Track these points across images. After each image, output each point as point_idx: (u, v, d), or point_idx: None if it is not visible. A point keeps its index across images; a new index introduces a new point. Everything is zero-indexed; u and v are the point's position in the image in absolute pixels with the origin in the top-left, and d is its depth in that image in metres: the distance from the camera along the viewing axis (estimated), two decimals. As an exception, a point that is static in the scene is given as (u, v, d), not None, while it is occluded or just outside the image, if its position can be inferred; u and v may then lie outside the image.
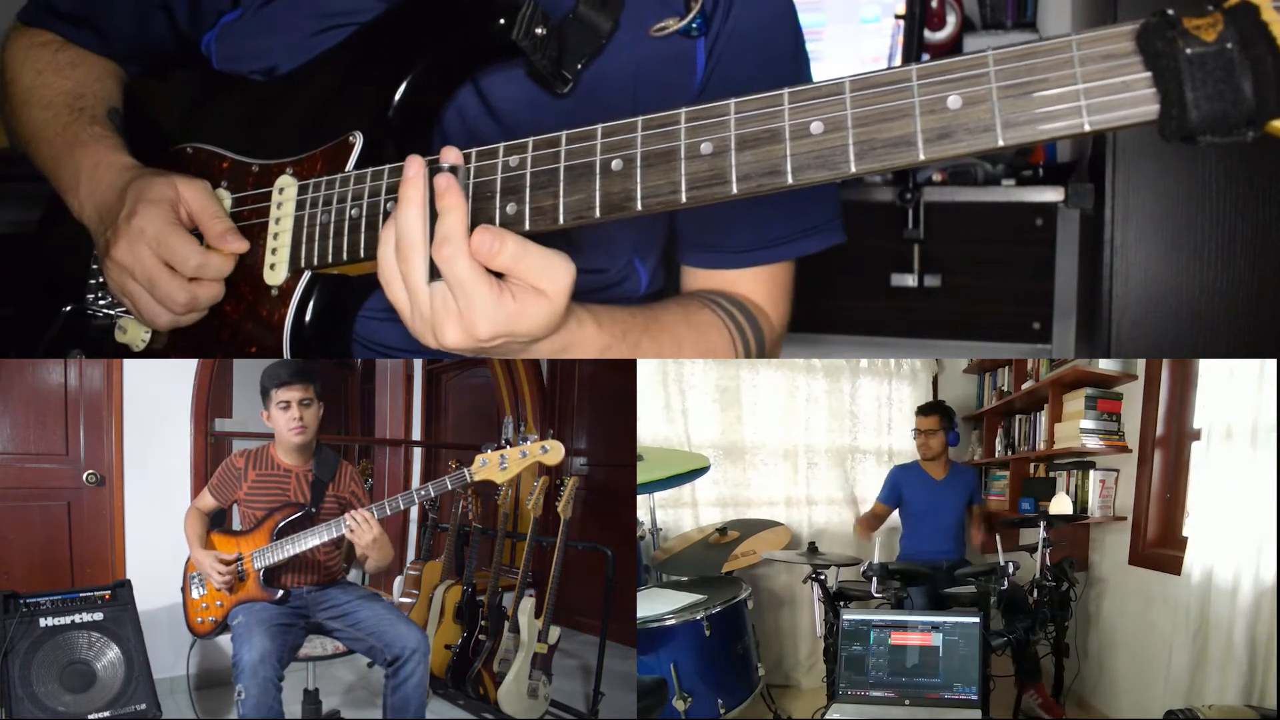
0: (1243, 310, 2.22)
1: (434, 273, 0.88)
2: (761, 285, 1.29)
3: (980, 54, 0.71)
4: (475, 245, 0.85)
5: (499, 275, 0.88)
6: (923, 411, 2.52)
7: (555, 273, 0.88)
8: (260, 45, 1.24)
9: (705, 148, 0.80)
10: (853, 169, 0.75)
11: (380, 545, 1.77)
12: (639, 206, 0.84)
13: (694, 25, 1.15)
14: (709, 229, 1.27)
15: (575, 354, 1.01)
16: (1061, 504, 2.29)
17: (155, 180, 1.12)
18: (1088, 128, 0.67)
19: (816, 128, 0.76)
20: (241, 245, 1.11)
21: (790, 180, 0.77)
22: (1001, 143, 0.69)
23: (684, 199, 0.82)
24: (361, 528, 1.73)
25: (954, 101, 0.71)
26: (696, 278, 1.32)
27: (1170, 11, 0.63)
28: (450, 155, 0.90)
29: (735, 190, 0.79)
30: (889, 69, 0.74)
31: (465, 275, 0.86)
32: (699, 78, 1.20)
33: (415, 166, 0.89)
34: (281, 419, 1.84)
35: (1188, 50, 0.62)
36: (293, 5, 1.23)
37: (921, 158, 0.72)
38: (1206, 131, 0.63)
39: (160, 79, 1.38)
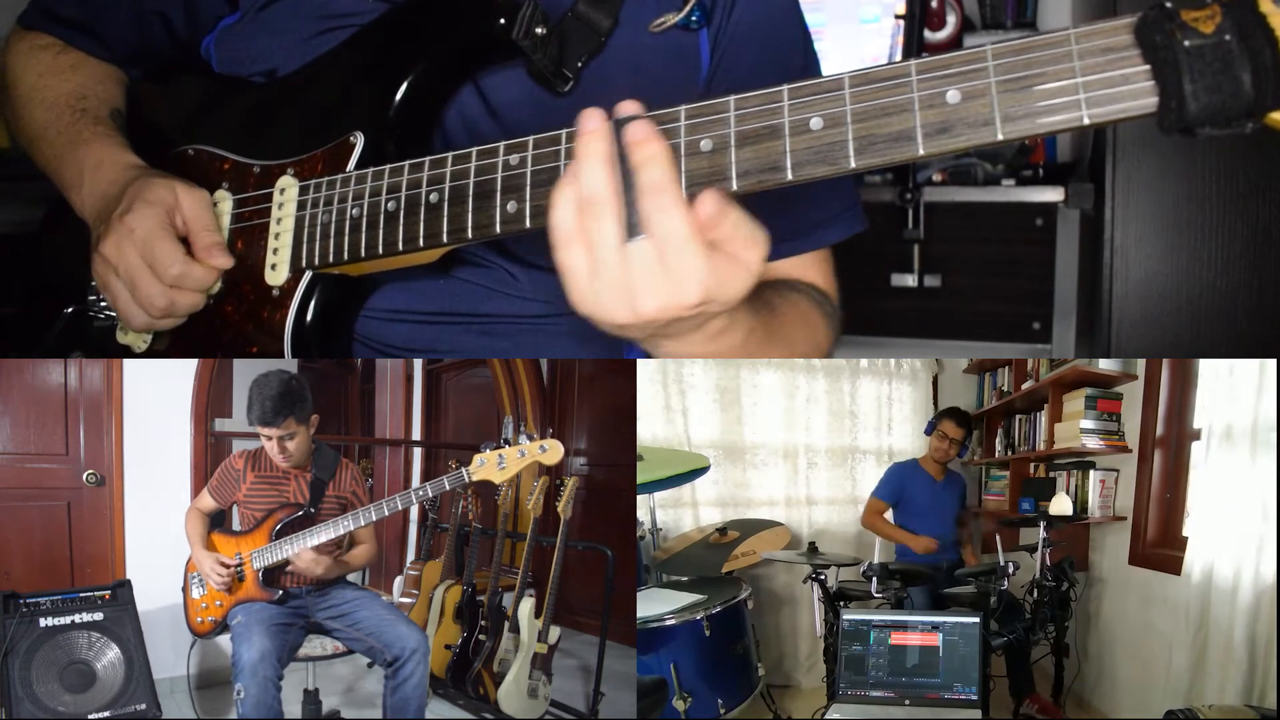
0: (1243, 310, 2.22)
1: (630, 231, 0.79)
2: (817, 267, 1.27)
3: (979, 49, 0.71)
4: (706, 210, 0.77)
5: None
6: (958, 421, 2.50)
7: (760, 244, 0.81)
8: (260, 47, 1.24)
9: (705, 145, 0.81)
10: (852, 164, 0.75)
11: (329, 571, 1.80)
12: (638, 201, 0.84)
13: (692, 18, 1.15)
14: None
15: (731, 334, 0.92)
16: (1061, 504, 2.29)
17: (156, 182, 1.12)
18: (1087, 121, 0.67)
19: (816, 123, 0.76)
20: (225, 262, 1.11)
21: (790, 176, 0.77)
22: (1001, 136, 0.69)
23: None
24: (308, 565, 1.78)
25: (953, 96, 0.71)
26: None
27: (1169, 4, 0.64)
28: (631, 106, 0.82)
29: (735, 187, 0.80)
30: (888, 64, 0.74)
31: (680, 229, 0.77)
32: (704, 72, 1.19)
33: (595, 119, 0.81)
34: (267, 446, 1.85)
35: (1186, 43, 0.62)
36: (293, 7, 1.23)
37: (921, 152, 0.72)
38: (1205, 123, 0.63)
39: (161, 82, 1.38)
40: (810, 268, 1.27)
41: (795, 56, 1.23)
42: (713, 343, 0.90)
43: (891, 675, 1.80)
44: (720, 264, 0.79)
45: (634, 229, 0.79)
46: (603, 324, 0.84)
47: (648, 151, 0.78)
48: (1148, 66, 0.65)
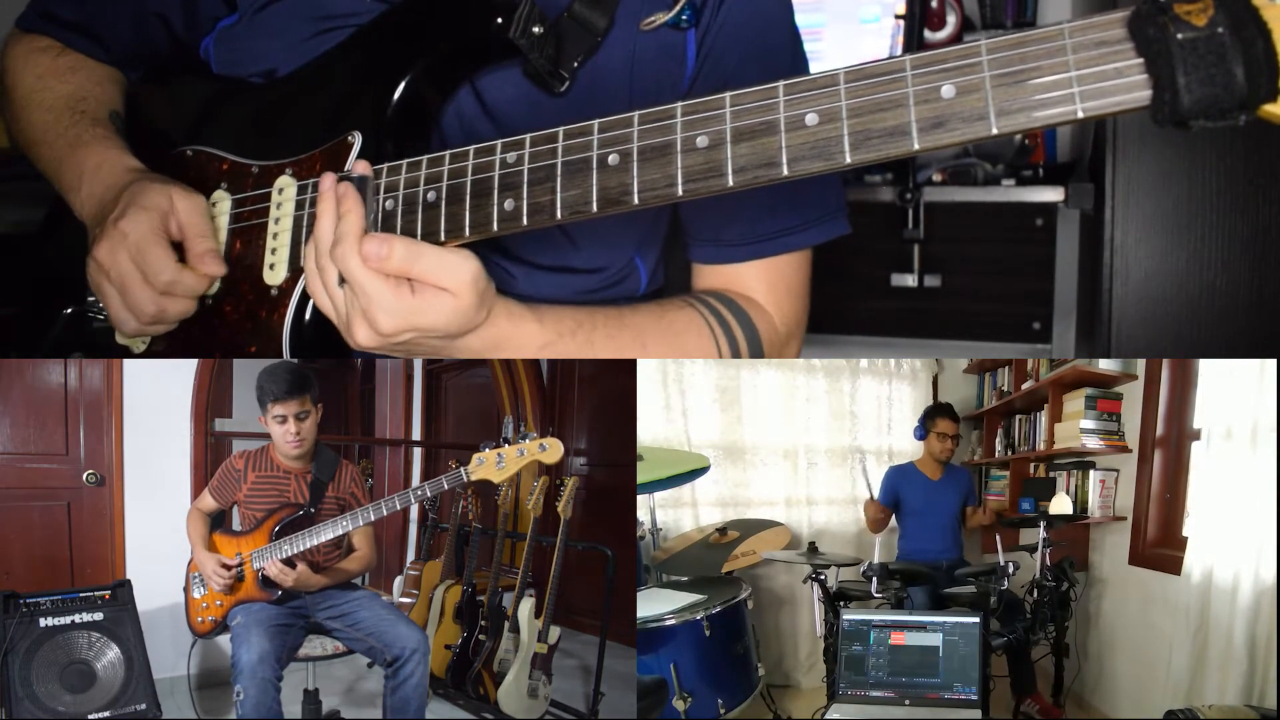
0: (1243, 310, 2.22)
1: (341, 277, 0.94)
2: (763, 281, 1.28)
3: (973, 43, 0.71)
4: (365, 252, 0.90)
5: None
6: (949, 416, 2.50)
7: (455, 270, 0.91)
8: (259, 48, 1.24)
9: (701, 141, 0.81)
10: (848, 159, 0.75)
11: (300, 583, 1.79)
12: (636, 200, 0.84)
13: (683, 17, 1.15)
14: (711, 223, 1.27)
15: (510, 350, 1.03)
16: (1061, 504, 2.29)
17: (152, 187, 1.12)
18: (1081, 114, 0.67)
19: (811, 119, 0.76)
20: (218, 270, 1.12)
21: (786, 171, 0.77)
22: (995, 130, 0.70)
23: (680, 192, 0.82)
24: (279, 577, 1.77)
25: (948, 91, 0.71)
26: (703, 274, 1.31)
27: (1162, -3, 0.64)
28: (359, 168, 0.98)
29: (731, 183, 0.80)
30: (883, 60, 0.74)
31: (358, 273, 0.91)
32: (690, 70, 1.19)
33: (327, 181, 0.96)
34: (278, 431, 1.85)
35: (1179, 35, 0.62)
36: (291, 8, 1.23)
37: (916, 147, 0.72)
38: (1199, 116, 0.63)
39: (160, 83, 1.38)
40: (759, 279, 1.28)
41: (782, 58, 1.23)
42: (487, 354, 1.02)
43: (891, 675, 1.80)
44: (408, 298, 0.91)
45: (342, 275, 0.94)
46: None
47: (342, 209, 0.94)
48: (1141, 59, 0.65)
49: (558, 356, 1.07)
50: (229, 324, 1.14)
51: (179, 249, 1.11)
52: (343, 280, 0.93)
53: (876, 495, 2.52)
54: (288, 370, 1.81)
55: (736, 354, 1.23)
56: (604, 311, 1.14)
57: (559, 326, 1.07)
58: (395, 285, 0.91)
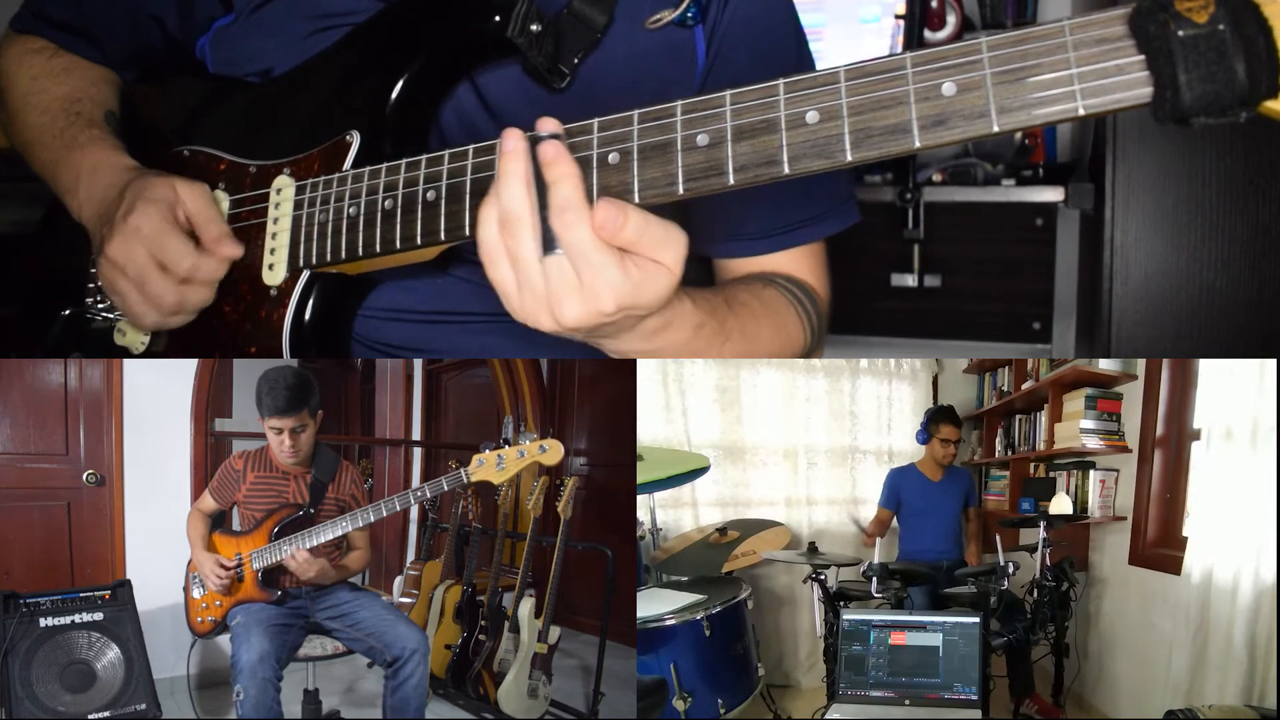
0: (1243, 310, 2.22)
1: (546, 246, 0.83)
2: (801, 263, 1.27)
3: (974, 41, 0.71)
4: (600, 219, 0.80)
5: None
6: (952, 421, 2.50)
7: (675, 244, 0.84)
8: (255, 47, 1.24)
9: (701, 139, 0.81)
10: (849, 158, 0.75)
11: (322, 574, 1.79)
12: (636, 199, 0.84)
13: (688, 15, 1.15)
14: (729, 219, 1.26)
15: (674, 331, 0.95)
16: (1061, 504, 2.29)
17: (155, 181, 1.12)
18: (1082, 111, 0.67)
19: (812, 117, 0.76)
20: (235, 251, 1.11)
21: (787, 170, 0.77)
22: (997, 128, 0.70)
23: (681, 190, 0.82)
24: (302, 566, 1.77)
25: (949, 88, 0.71)
26: (729, 268, 1.29)
27: (1163, -6, 0.64)
28: (549, 124, 0.85)
29: (732, 181, 0.80)
30: (884, 57, 0.74)
31: (589, 244, 0.81)
32: (700, 69, 1.19)
33: (514, 140, 0.83)
34: (274, 440, 1.85)
35: (1180, 32, 0.62)
36: (287, 7, 1.23)
37: (917, 145, 0.72)
38: (1200, 113, 0.63)
39: (157, 84, 1.38)
40: (797, 263, 1.27)
41: (788, 57, 1.24)
42: (651, 341, 0.93)
43: (891, 675, 1.80)
44: (633, 271, 0.82)
45: (550, 244, 0.83)
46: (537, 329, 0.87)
47: (558, 171, 0.81)
48: (1142, 57, 0.65)
49: (700, 338, 0.99)
50: (228, 324, 1.14)
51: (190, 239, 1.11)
52: (546, 251, 0.83)
53: (879, 502, 2.53)
54: (287, 384, 1.79)
55: (814, 334, 1.21)
56: (720, 290, 1.09)
57: (704, 305, 1.00)
58: (620, 258, 0.82)
